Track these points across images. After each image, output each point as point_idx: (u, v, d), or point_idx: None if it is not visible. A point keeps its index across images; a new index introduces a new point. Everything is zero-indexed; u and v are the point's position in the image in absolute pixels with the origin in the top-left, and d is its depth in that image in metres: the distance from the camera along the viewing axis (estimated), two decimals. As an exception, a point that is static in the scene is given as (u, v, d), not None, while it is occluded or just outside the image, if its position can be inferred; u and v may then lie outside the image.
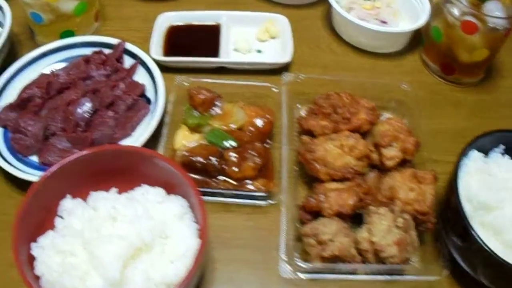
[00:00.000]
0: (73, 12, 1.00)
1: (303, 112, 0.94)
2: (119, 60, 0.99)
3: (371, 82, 0.96)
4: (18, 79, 0.97)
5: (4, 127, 0.92)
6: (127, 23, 1.11)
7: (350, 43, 1.09)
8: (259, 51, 1.06)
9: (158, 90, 0.93)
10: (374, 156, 0.86)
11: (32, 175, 0.82)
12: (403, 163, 0.84)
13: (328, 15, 1.13)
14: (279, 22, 1.06)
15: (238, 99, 0.93)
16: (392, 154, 0.83)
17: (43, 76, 0.96)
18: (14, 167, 0.84)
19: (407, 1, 1.10)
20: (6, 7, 1.00)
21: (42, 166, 0.87)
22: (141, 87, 0.96)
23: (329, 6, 1.08)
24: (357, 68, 1.06)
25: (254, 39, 1.07)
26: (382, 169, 0.84)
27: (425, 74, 1.06)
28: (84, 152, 0.74)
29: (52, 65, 1.00)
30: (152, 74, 0.96)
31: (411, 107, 0.93)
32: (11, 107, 0.93)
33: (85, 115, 0.90)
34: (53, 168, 0.71)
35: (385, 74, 1.06)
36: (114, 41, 1.00)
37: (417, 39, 1.08)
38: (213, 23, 1.07)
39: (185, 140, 0.89)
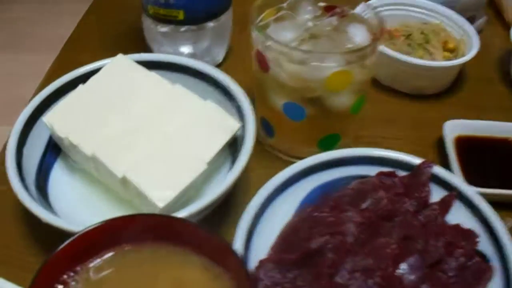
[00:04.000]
0: (349, 108, 0.63)
1: None
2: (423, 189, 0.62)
3: None
4: (269, 213, 0.57)
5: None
6: (385, 127, 0.76)
7: None
8: None
9: (502, 243, 0.57)
10: None
11: None
12: None
13: None
14: None
15: None
16: None
17: (329, 212, 0.57)
18: None
19: None
20: (248, 110, 0.61)
21: None
22: (474, 236, 0.59)
23: None
24: None
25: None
26: None
27: None
28: None
29: (313, 191, 0.61)
30: (478, 214, 0.60)
31: None
32: (280, 262, 0.54)
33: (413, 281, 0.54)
34: None
35: None
36: (408, 158, 0.63)
37: None
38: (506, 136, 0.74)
39: None
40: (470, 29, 0.82)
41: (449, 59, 0.80)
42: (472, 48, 0.79)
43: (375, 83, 0.82)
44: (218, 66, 0.80)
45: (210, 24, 0.75)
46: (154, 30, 0.75)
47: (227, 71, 0.76)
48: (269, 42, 0.58)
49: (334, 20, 0.65)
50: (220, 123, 0.60)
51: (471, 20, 0.94)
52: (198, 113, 0.60)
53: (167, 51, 0.76)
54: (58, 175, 0.64)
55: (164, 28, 0.74)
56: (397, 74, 0.79)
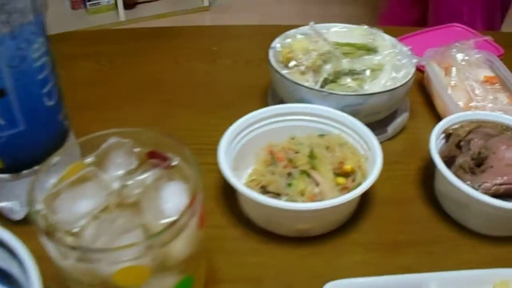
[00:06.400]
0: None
1: None
2: None
3: None
4: None
5: None
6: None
7: None
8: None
9: None
10: None
11: None
12: None
13: None
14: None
15: None
16: None
17: None
18: None
19: None
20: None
21: None
22: None
23: None
24: None
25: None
26: None
27: None
28: None
29: None
30: None
31: None
32: None
33: None
34: None
35: None
36: None
37: None
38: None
39: None
40: (375, 143, 0.65)
41: (344, 186, 0.63)
42: (374, 169, 0.62)
43: (248, 225, 0.64)
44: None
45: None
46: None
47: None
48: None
49: (150, 177, 0.49)
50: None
51: (390, 117, 0.77)
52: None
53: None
54: None
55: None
56: (272, 218, 0.61)
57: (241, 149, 0.69)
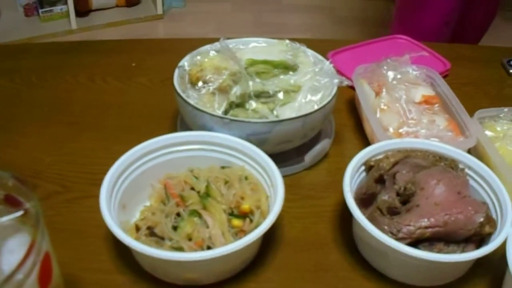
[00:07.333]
0: None
1: None
2: None
3: None
4: None
5: None
6: None
7: None
8: None
9: None
10: None
11: None
12: None
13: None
14: None
15: None
16: None
17: None
18: None
19: None
20: None
21: None
22: None
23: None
24: None
25: None
26: None
27: None
28: None
29: None
30: None
31: None
32: None
33: None
34: None
35: None
36: None
37: None
38: None
39: None
40: (277, 177, 0.57)
41: (240, 229, 0.55)
42: (274, 208, 0.54)
43: (137, 271, 0.56)
44: None
45: None
46: None
47: None
48: None
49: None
50: None
51: (309, 144, 0.69)
52: None
53: None
54: None
55: None
56: (157, 265, 0.53)
57: (134, 182, 0.60)
